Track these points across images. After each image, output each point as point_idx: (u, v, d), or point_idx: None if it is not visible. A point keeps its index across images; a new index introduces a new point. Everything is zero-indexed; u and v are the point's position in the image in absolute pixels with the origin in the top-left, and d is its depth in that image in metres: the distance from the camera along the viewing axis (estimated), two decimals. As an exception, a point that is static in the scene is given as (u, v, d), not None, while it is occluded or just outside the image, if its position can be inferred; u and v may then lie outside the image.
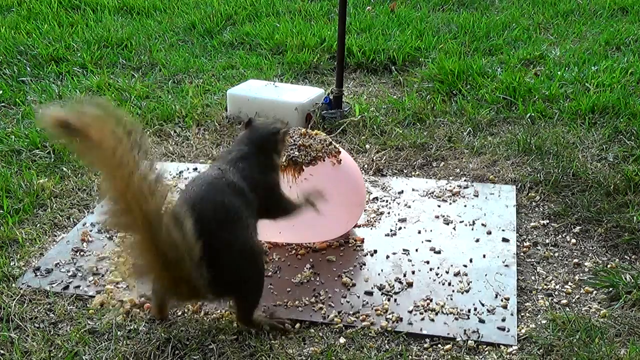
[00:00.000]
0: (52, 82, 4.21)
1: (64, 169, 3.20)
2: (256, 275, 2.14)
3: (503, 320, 2.26)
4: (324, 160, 2.58)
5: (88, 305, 2.31)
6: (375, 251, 2.65)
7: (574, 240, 2.75)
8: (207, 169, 2.26)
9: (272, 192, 2.29)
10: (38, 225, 2.79)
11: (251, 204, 2.15)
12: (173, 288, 2.06)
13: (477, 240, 2.73)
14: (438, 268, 2.54)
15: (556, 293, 2.44)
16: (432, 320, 2.26)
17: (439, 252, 2.65)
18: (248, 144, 2.27)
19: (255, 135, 2.30)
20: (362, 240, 2.73)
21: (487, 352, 2.14)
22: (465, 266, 2.55)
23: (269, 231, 2.52)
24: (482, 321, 2.26)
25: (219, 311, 2.29)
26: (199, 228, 1.97)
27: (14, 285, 2.41)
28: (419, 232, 2.79)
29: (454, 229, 2.82)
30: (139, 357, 2.08)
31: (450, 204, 3.02)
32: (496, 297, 2.38)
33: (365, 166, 3.34)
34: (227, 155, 2.26)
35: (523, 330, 2.23)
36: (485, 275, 2.50)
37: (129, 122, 1.86)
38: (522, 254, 2.67)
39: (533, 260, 2.63)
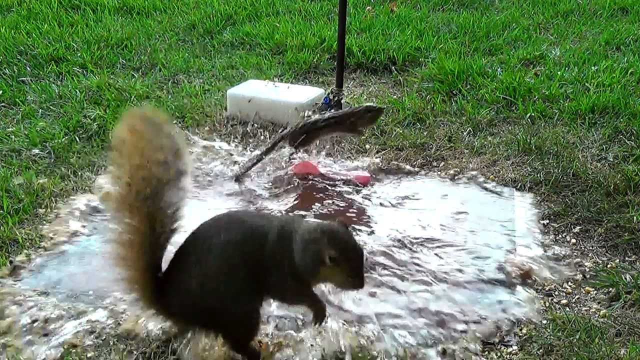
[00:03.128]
0: (52, 82, 4.20)
1: (64, 169, 3.20)
2: (228, 315, 1.96)
3: (503, 320, 2.27)
4: None
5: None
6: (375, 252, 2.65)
7: (574, 240, 2.75)
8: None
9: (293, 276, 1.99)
10: (38, 225, 2.79)
11: (258, 264, 1.96)
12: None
13: (477, 241, 2.73)
14: (438, 268, 2.55)
15: (556, 293, 2.44)
16: (432, 320, 2.27)
17: (438, 252, 2.65)
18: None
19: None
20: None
21: (487, 352, 2.14)
22: (466, 266, 2.56)
23: None
24: (482, 322, 2.26)
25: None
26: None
27: (14, 285, 2.41)
28: (420, 233, 2.79)
29: (455, 228, 2.82)
30: (139, 357, 2.09)
31: (449, 204, 3.01)
32: (496, 297, 2.39)
33: (365, 166, 3.34)
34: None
35: (523, 330, 2.23)
36: (486, 275, 2.51)
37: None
38: (522, 254, 2.67)
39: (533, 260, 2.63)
